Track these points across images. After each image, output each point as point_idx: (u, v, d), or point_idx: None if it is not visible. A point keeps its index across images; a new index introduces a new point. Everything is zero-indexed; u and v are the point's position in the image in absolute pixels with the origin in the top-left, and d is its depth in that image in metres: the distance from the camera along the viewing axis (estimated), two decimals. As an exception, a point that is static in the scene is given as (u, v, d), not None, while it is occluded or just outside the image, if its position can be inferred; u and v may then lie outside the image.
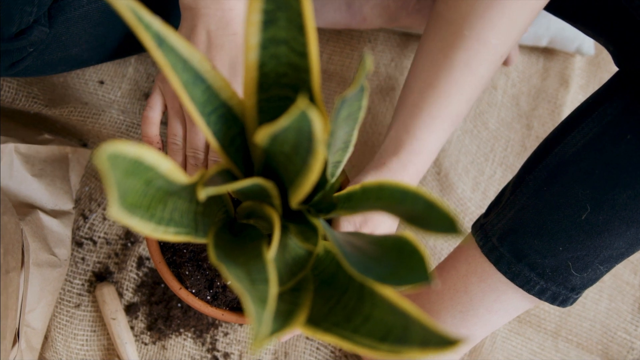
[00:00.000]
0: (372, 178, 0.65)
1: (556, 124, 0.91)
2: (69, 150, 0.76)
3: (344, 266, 0.46)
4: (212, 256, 0.43)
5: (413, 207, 0.40)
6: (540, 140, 0.91)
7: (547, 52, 0.94)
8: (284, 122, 0.36)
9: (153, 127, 0.63)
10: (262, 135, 0.40)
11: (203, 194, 0.42)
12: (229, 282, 0.61)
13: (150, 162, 0.39)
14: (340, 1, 0.84)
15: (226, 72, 0.61)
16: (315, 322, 0.45)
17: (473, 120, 0.90)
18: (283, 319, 0.44)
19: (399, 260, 0.40)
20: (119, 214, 0.37)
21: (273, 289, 0.39)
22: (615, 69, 0.65)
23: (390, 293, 0.41)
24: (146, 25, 0.38)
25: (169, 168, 0.41)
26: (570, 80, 0.92)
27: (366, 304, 0.44)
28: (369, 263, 0.42)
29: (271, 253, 0.43)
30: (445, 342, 0.36)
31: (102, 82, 0.84)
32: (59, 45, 0.62)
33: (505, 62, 0.88)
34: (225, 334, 0.78)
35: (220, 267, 0.41)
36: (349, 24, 0.86)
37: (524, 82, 0.93)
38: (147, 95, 0.85)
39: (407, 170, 0.64)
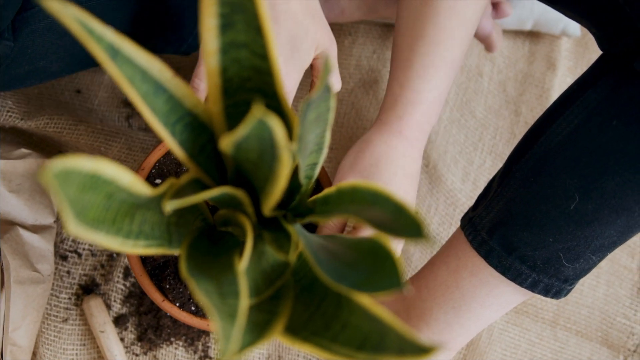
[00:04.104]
0: (374, 136, 0.64)
1: (545, 109, 0.90)
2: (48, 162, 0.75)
3: (317, 274, 0.45)
4: (183, 269, 0.42)
5: (383, 211, 0.39)
6: (529, 126, 0.89)
7: (532, 35, 0.92)
8: (242, 131, 0.35)
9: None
10: (226, 144, 0.38)
11: (168, 207, 0.40)
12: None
13: (109, 175, 0.38)
14: (317, -4, 0.83)
15: (284, 50, 0.57)
16: (294, 330, 0.44)
17: (460, 109, 0.88)
18: (259, 330, 0.43)
19: (373, 266, 0.39)
20: (78, 231, 0.36)
21: (244, 302, 0.38)
22: (601, 50, 0.63)
23: (364, 299, 0.40)
24: (98, 37, 0.37)
25: (130, 181, 0.39)
26: (557, 63, 0.90)
27: (344, 311, 0.42)
28: (343, 270, 0.40)
29: (243, 264, 0.41)
30: (421, 350, 0.35)
31: (78, 91, 0.83)
32: (25, 59, 0.61)
33: (490, 48, 0.86)
34: (217, 341, 0.77)
35: (189, 282, 0.40)
36: (327, 17, 0.84)
37: (510, 68, 0.91)
38: (125, 102, 0.84)
39: (404, 121, 0.63)
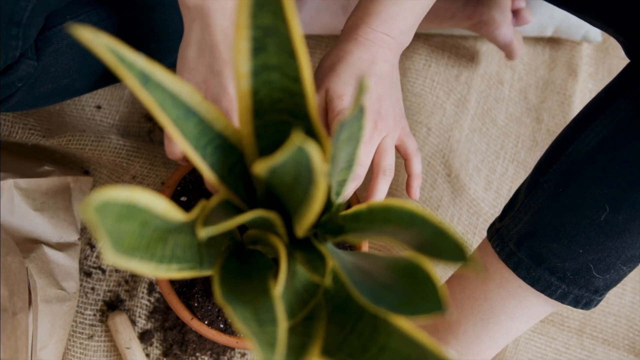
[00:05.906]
0: (335, 45, 0.66)
1: (566, 116, 0.89)
2: (71, 179, 0.75)
3: (354, 296, 0.44)
4: (218, 295, 0.41)
5: (421, 233, 0.38)
6: (551, 133, 0.88)
7: (553, 41, 0.91)
8: (280, 157, 0.35)
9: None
10: (261, 168, 0.38)
11: (203, 233, 0.40)
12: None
13: (144, 204, 0.38)
14: (337, 6, 0.82)
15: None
16: (330, 352, 0.43)
17: (481, 117, 0.87)
18: (296, 354, 0.42)
19: (411, 288, 0.38)
20: (115, 259, 0.35)
21: (282, 330, 0.37)
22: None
23: (404, 323, 0.40)
24: (129, 64, 0.36)
25: (164, 207, 0.39)
26: (578, 69, 0.89)
27: (381, 333, 0.42)
28: (380, 291, 0.40)
29: (278, 289, 0.41)
30: (465, 377, 0.34)
31: (99, 107, 0.83)
32: (48, 78, 0.61)
33: (510, 56, 0.85)
34: (243, 355, 0.77)
35: (225, 308, 0.39)
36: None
37: (531, 75, 0.90)
38: (146, 117, 0.84)
39: (360, 28, 0.65)
